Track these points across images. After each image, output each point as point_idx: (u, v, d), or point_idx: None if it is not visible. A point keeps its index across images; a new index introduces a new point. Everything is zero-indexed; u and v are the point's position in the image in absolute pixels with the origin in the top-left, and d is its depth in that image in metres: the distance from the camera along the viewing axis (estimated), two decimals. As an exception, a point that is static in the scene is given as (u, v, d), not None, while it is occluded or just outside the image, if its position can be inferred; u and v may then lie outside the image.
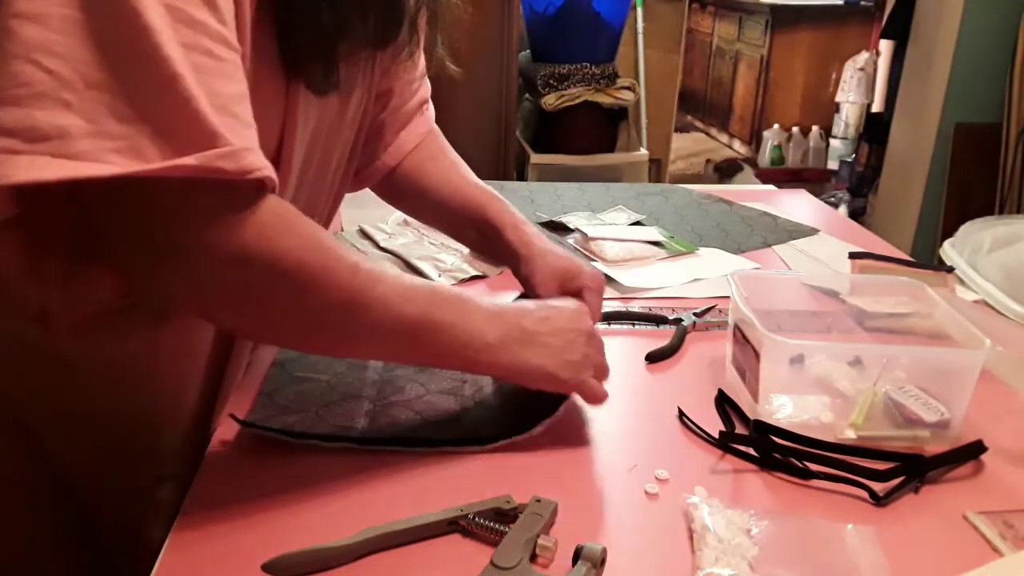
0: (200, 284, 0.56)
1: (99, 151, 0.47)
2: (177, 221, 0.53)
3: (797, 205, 1.50)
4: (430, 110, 0.94)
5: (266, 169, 0.53)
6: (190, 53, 0.50)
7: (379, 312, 0.62)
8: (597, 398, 0.72)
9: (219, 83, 0.51)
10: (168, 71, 0.49)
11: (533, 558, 0.57)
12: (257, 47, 0.58)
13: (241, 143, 0.52)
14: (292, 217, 0.58)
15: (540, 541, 0.57)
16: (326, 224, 0.83)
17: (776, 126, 4.67)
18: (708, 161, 4.55)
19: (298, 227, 0.58)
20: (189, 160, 0.49)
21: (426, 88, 0.93)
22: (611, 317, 0.97)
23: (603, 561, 0.56)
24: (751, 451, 0.71)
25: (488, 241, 0.86)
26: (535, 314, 0.71)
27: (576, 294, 0.79)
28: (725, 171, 4.21)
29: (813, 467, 0.69)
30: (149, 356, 0.68)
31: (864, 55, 4.12)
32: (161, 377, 0.70)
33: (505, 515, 0.60)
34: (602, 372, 0.74)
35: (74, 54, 0.47)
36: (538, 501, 0.61)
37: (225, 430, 0.72)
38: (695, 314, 0.97)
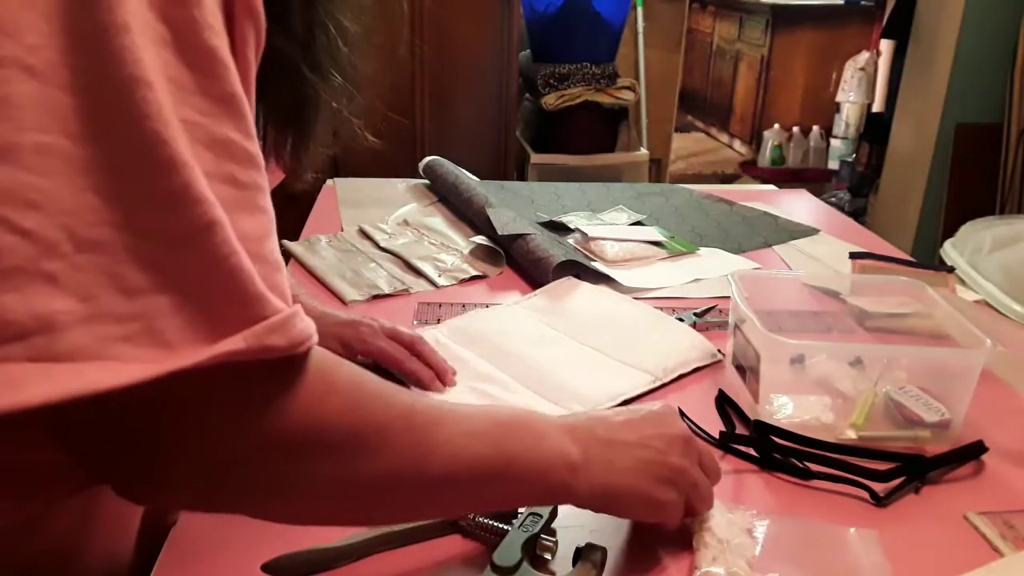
0: (224, 488, 0.43)
1: (101, 342, 0.34)
2: (208, 424, 0.39)
3: (797, 205, 1.50)
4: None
5: (314, 333, 0.41)
6: (215, 185, 0.37)
7: (446, 461, 0.49)
8: (698, 513, 0.60)
9: (244, 220, 0.39)
10: (204, 218, 0.36)
11: (533, 558, 0.57)
12: None
13: (287, 307, 0.39)
14: (330, 370, 0.44)
15: (540, 541, 0.57)
16: None
17: (776, 126, 4.67)
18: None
19: (335, 380, 0.45)
20: (235, 344, 0.36)
21: None
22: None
23: (603, 561, 0.56)
24: (751, 451, 0.71)
25: None
26: (609, 419, 0.58)
27: (364, 349, 0.78)
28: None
29: (813, 467, 0.69)
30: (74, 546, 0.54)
31: (864, 55, 4.11)
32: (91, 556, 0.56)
33: (505, 515, 0.59)
34: (703, 494, 0.59)
35: (60, 202, 0.33)
36: None
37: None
38: (695, 314, 0.97)
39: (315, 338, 0.42)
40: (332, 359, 0.45)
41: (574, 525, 0.61)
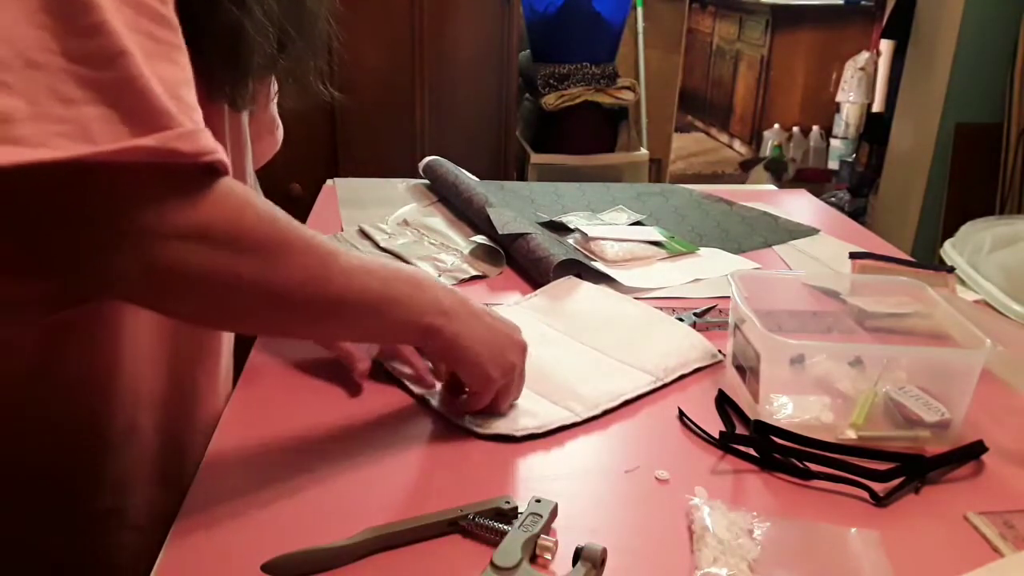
0: (158, 267, 0.52)
1: (44, 135, 0.45)
2: (131, 204, 0.50)
3: (797, 205, 1.50)
4: (279, 130, 0.90)
5: (220, 152, 0.52)
6: (133, 34, 0.48)
7: (342, 286, 0.61)
8: (498, 409, 0.74)
9: (161, 66, 0.50)
10: (116, 47, 0.47)
11: (533, 558, 0.57)
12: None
13: (192, 125, 0.50)
14: (249, 195, 0.56)
15: (540, 541, 0.57)
16: None
17: (776, 126, 4.67)
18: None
19: (256, 204, 0.56)
20: (146, 141, 0.47)
21: (272, 109, 0.88)
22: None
23: (603, 561, 0.56)
24: (751, 451, 0.71)
25: None
26: (479, 306, 0.72)
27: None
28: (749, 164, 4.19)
29: (813, 467, 0.69)
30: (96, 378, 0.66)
31: (864, 55, 4.12)
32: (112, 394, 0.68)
33: (505, 515, 0.60)
34: (518, 388, 0.75)
35: (15, 33, 0.45)
36: (538, 501, 0.61)
37: (225, 431, 0.72)
38: (695, 314, 0.97)
39: (220, 155, 0.52)
40: (257, 194, 0.57)
41: (574, 525, 0.61)
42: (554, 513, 0.60)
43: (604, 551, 0.56)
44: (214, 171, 0.53)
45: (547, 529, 0.59)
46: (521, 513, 0.59)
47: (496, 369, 0.71)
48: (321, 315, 0.62)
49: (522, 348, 0.74)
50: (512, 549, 0.55)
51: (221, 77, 0.62)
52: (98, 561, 0.71)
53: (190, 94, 0.52)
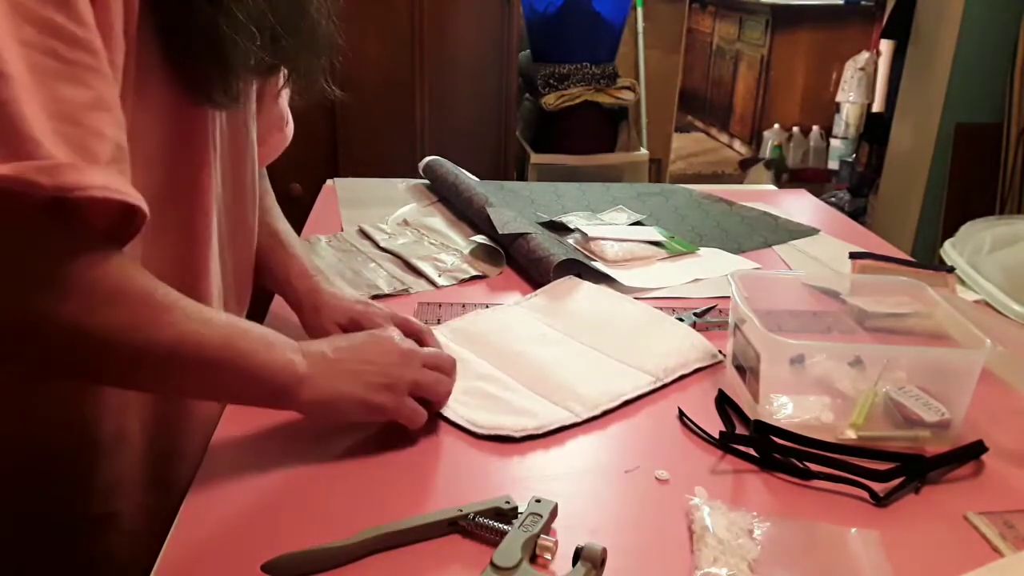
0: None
1: None
2: None
3: (797, 205, 1.50)
4: (288, 127, 0.91)
5: (90, 188, 0.48)
6: (30, 52, 0.46)
7: (174, 337, 0.56)
8: (412, 421, 0.69)
9: (64, 88, 0.48)
10: None
11: (533, 558, 0.57)
12: (144, 60, 0.56)
13: (68, 158, 0.47)
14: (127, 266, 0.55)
15: (540, 541, 0.57)
16: (254, 219, 0.82)
17: (776, 126, 4.67)
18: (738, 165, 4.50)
19: (109, 257, 0.54)
20: (2, 169, 0.45)
21: (281, 106, 0.89)
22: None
23: (603, 561, 0.56)
24: (751, 451, 0.71)
25: (279, 287, 0.87)
26: (337, 342, 0.68)
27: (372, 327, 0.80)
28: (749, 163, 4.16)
29: (813, 467, 0.69)
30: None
31: (864, 55, 4.11)
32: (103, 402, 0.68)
33: (505, 515, 0.60)
34: (427, 387, 0.70)
35: None
36: (538, 501, 0.61)
37: (223, 432, 0.72)
38: (695, 314, 0.97)
39: (99, 192, 0.48)
40: (129, 266, 0.55)
41: (574, 525, 0.61)
42: (554, 513, 0.60)
43: (604, 551, 0.56)
44: (86, 207, 0.50)
45: (547, 529, 0.59)
46: (521, 513, 0.59)
47: (381, 395, 0.67)
48: (152, 368, 0.57)
49: (396, 351, 0.69)
50: (512, 549, 0.55)
51: (201, 78, 0.61)
52: (92, 565, 0.71)
53: (99, 119, 0.50)
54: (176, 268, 0.66)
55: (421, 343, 0.83)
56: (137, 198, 0.52)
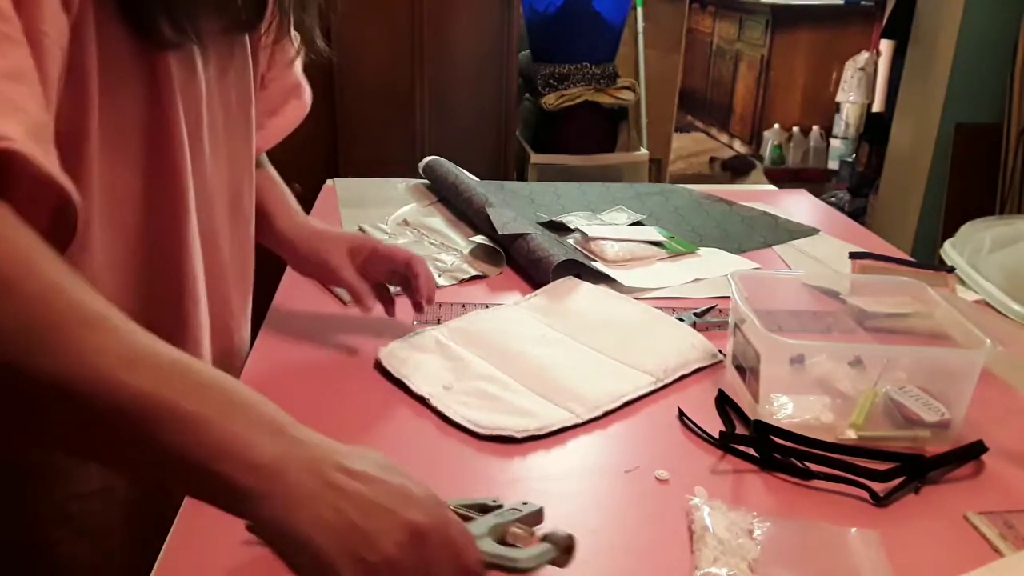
0: None
1: None
2: None
3: (797, 205, 1.50)
4: (306, 94, 0.91)
5: (7, 141, 0.41)
6: None
7: (86, 371, 0.40)
8: None
9: None
10: None
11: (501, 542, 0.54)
12: (101, 14, 0.56)
13: None
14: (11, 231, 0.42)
15: (511, 528, 0.54)
16: (251, 199, 0.82)
17: (776, 126, 4.67)
18: (713, 160, 4.37)
19: (15, 239, 0.42)
20: None
21: (296, 73, 0.90)
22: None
23: (570, 548, 0.52)
24: (751, 451, 0.71)
25: (260, 229, 0.85)
26: (353, 455, 0.45)
27: (393, 269, 0.86)
28: (737, 168, 4.09)
29: (813, 467, 0.69)
30: None
31: (864, 55, 4.12)
32: None
33: (489, 509, 0.58)
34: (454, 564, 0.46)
35: None
36: (524, 503, 0.59)
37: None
38: (695, 314, 0.97)
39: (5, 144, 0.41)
40: (23, 233, 0.42)
41: (574, 525, 0.60)
42: (539, 515, 0.58)
43: (571, 537, 0.52)
44: None
45: (527, 524, 0.57)
46: (504, 509, 0.58)
47: (350, 570, 0.41)
48: (50, 404, 0.41)
49: (413, 529, 0.44)
50: (477, 524, 0.53)
51: (146, 12, 0.58)
52: (93, 539, 0.72)
53: (11, 89, 0.44)
54: (152, 253, 0.67)
55: (412, 273, 0.87)
56: (66, 182, 0.43)
